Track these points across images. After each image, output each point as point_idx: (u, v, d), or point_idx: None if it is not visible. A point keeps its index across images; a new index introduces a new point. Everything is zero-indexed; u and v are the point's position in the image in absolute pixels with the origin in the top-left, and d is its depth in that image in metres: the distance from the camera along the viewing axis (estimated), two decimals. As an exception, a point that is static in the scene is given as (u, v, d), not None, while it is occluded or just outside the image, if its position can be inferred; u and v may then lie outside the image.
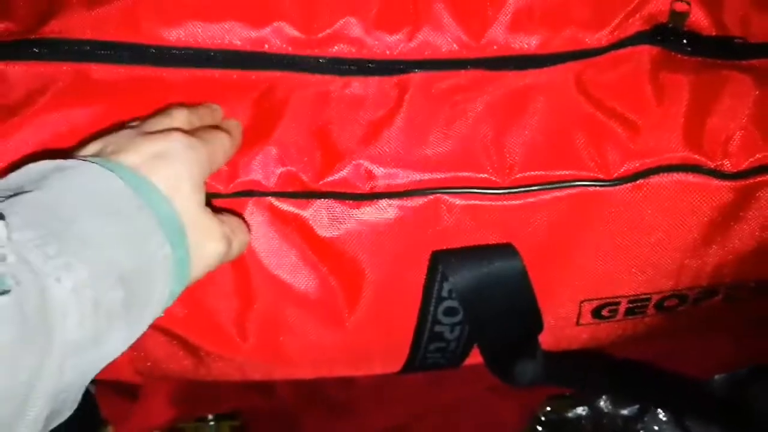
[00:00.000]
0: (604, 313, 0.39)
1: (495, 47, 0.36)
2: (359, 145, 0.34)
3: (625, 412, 0.66)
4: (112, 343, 0.27)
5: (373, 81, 0.35)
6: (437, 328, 0.38)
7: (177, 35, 0.35)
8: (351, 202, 0.35)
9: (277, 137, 0.34)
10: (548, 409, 0.70)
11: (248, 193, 0.35)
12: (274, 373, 0.42)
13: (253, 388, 0.65)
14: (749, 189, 0.34)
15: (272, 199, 0.35)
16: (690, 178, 0.34)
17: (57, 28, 0.35)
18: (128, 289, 0.27)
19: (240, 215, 0.35)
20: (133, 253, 0.27)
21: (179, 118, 0.32)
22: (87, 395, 0.68)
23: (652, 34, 0.36)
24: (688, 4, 0.36)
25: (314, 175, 0.35)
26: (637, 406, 0.65)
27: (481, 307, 0.36)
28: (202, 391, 0.63)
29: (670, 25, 0.36)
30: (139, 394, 0.61)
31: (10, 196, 0.26)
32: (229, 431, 0.75)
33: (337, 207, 0.35)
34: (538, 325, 0.38)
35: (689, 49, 0.36)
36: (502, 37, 0.36)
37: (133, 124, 0.33)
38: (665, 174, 0.34)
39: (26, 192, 0.26)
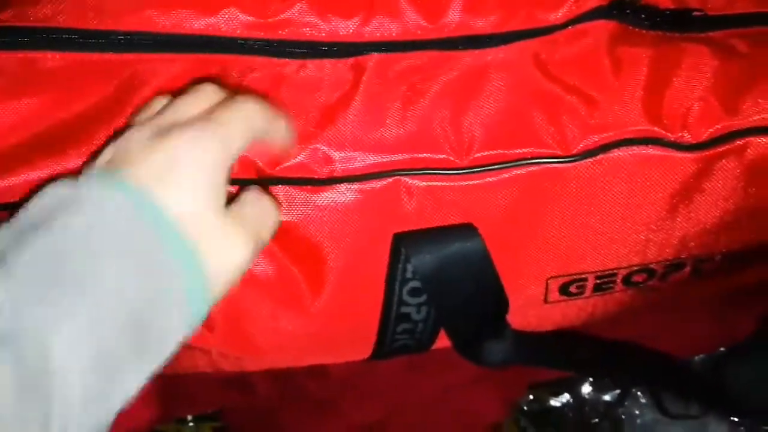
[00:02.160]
0: (572, 289, 0.39)
1: (451, 28, 0.36)
2: (315, 128, 0.34)
3: (606, 397, 0.66)
4: (123, 388, 0.26)
5: (329, 63, 0.35)
6: (404, 309, 0.37)
7: (128, 22, 0.35)
8: (309, 187, 0.34)
9: None
10: (530, 397, 0.70)
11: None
12: (244, 364, 0.41)
13: (232, 386, 0.65)
14: (710, 160, 0.34)
15: (228, 188, 0.34)
16: (650, 150, 0.34)
17: (7, 16, 0.34)
18: (138, 327, 0.25)
19: (266, 192, 0.32)
20: (141, 287, 0.25)
21: (205, 95, 0.30)
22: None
23: (609, 9, 0.36)
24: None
25: (270, 160, 0.34)
26: (617, 391, 0.65)
27: (444, 288, 0.36)
28: (179, 391, 0.62)
29: (627, 0, 0.36)
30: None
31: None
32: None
33: (294, 193, 0.34)
34: (503, 305, 0.37)
35: (647, 22, 0.36)
36: (458, 18, 0.36)
37: (148, 114, 0.30)
38: (625, 148, 0.34)
39: (30, 233, 0.25)
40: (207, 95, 0.30)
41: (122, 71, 0.35)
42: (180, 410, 0.66)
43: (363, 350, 0.41)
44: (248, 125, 0.29)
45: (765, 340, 0.44)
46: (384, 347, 0.40)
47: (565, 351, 0.43)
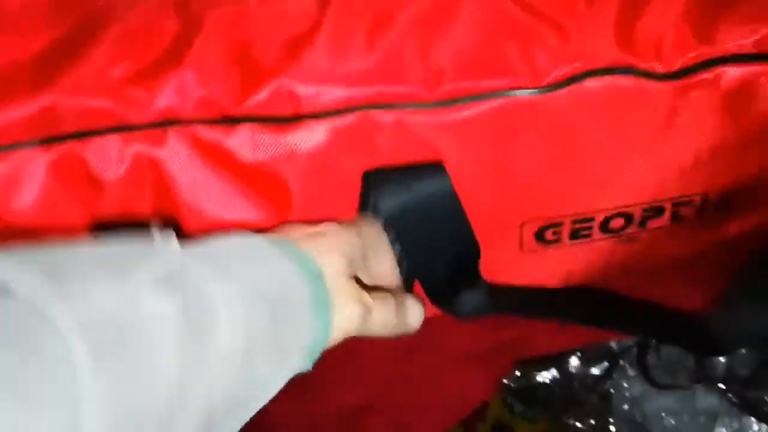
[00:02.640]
0: (548, 235, 0.38)
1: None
2: (280, 63, 0.33)
3: (594, 371, 0.65)
4: (264, 369, 0.28)
5: (293, -4, 0.34)
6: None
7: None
8: (276, 125, 0.33)
9: (193, 59, 0.33)
10: (517, 374, 0.68)
11: (166, 123, 0.33)
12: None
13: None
14: (684, 89, 0.33)
15: (192, 128, 0.34)
16: (622, 80, 0.33)
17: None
18: (274, 312, 0.28)
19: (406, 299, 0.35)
20: (277, 286, 0.29)
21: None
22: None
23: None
24: None
25: (235, 98, 0.33)
26: (606, 364, 0.64)
27: (411, 229, 0.35)
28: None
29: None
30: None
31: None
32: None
33: (262, 132, 0.33)
34: (473, 251, 0.36)
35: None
36: None
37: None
38: (597, 77, 0.33)
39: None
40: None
41: (79, 7, 0.34)
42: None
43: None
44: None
45: (738, 290, 0.43)
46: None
47: (542, 299, 0.42)
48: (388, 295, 0.35)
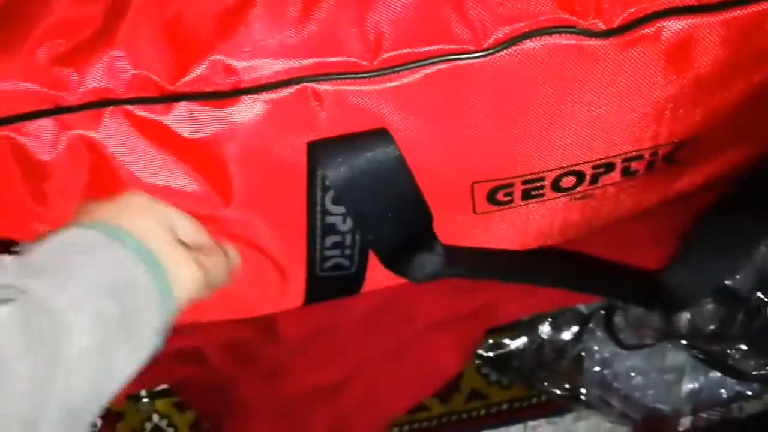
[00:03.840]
0: (500, 197, 0.38)
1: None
2: (214, 37, 0.32)
3: (565, 336, 0.65)
4: (119, 359, 0.30)
5: (224, -33, 0.33)
6: (328, 219, 0.36)
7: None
8: (214, 101, 0.33)
9: (123, 38, 0.32)
10: (489, 342, 0.69)
11: (102, 103, 0.33)
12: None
13: (185, 360, 0.63)
14: (626, 46, 0.33)
15: (129, 107, 0.33)
16: (563, 40, 0.32)
17: None
18: (120, 303, 0.30)
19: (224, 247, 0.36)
20: (116, 273, 0.31)
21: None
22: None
23: None
24: None
25: (169, 76, 0.32)
26: (576, 328, 0.64)
27: (360, 197, 0.34)
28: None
29: None
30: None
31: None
32: (170, 407, 0.73)
33: (199, 109, 0.33)
34: (425, 213, 0.36)
35: None
36: None
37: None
38: (537, 38, 0.32)
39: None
40: None
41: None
42: (131, 386, 0.65)
43: (295, 278, 0.40)
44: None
45: (692, 246, 0.43)
46: (315, 267, 0.39)
47: (500, 261, 0.42)
48: (212, 246, 0.36)
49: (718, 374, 0.59)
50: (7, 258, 0.29)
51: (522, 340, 0.67)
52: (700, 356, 0.58)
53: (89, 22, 0.33)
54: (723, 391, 0.59)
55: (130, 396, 0.70)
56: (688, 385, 0.59)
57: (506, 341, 0.67)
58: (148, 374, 0.63)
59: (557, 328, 0.65)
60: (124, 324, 0.30)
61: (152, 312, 0.31)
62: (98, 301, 0.29)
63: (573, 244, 0.46)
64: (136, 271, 0.31)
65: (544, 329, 0.66)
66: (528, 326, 0.66)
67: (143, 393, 0.71)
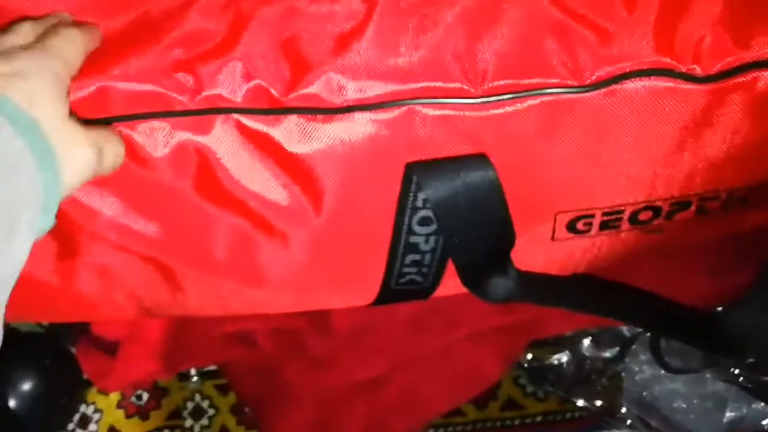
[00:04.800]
0: (579, 226, 0.39)
1: (464, -37, 0.36)
2: (329, 57, 0.34)
3: (606, 354, 0.66)
4: None
5: (341, -6, 0.35)
6: (412, 239, 0.38)
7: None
8: (322, 116, 0.34)
9: (243, 49, 0.34)
10: (530, 356, 0.70)
11: (215, 110, 0.34)
12: (253, 302, 0.41)
13: (235, 342, 0.65)
14: (720, 92, 0.34)
15: (240, 117, 0.35)
16: (661, 82, 0.34)
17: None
18: None
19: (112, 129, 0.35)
20: None
21: (23, 32, 0.33)
22: (67, 354, 0.68)
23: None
24: None
25: (283, 89, 0.34)
26: (617, 348, 0.66)
27: (455, 218, 0.36)
28: (182, 345, 0.63)
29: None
30: (119, 349, 0.61)
31: None
32: (212, 389, 0.75)
33: (308, 122, 0.35)
34: (510, 238, 0.38)
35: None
36: None
37: None
38: (637, 79, 0.34)
39: None
40: (32, 28, 0.34)
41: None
42: (183, 364, 0.67)
43: (370, 288, 0.42)
44: (76, 46, 0.33)
45: (762, 287, 0.44)
46: (391, 281, 0.41)
47: (568, 290, 0.43)
48: (109, 129, 0.34)
49: (762, 404, 0.60)
50: None
51: (562, 355, 0.68)
52: (744, 385, 0.59)
53: (214, 33, 0.35)
54: (765, 422, 0.60)
55: (180, 373, 0.73)
56: (730, 413, 0.60)
57: (546, 355, 0.69)
58: (198, 352, 0.66)
59: (599, 345, 0.67)
60: None
61: (34, 194, 0.29)
62: None
63: (635, 266, 0.47)
64: (16, 151, 0.28)
65: (586, 346, 0.67)
66: (569, 342, 0.68)
67: (193, 371, 0.74)
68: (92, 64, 0.34)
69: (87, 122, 0.33)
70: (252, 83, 0.34)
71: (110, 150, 0.33)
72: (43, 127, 0.30)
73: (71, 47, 0.33)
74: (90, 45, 0.34)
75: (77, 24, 0.35)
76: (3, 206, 0.28)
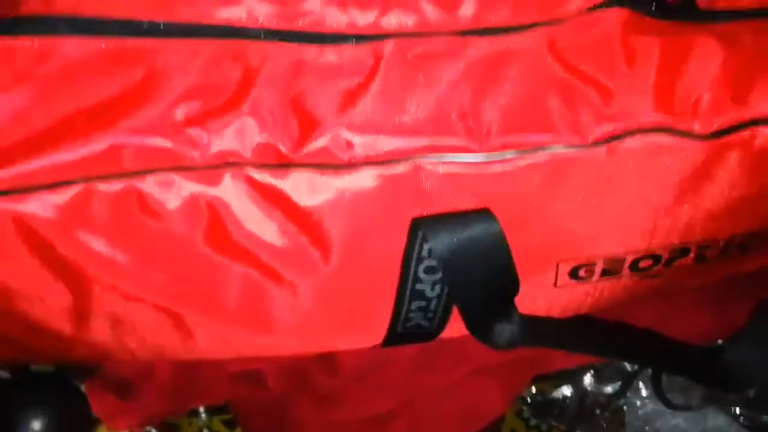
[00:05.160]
0: (581, 274, 0.40)
1: (467, 20, 0.37)
2: (337, 113, 0.35)
3: (608, 389, 0.67)
4: None
5: (348, 49, 0.36)
6: (418, 286, 0.39)
7: (152, 13, 0.36)
8: (331, 171, 0.35)
9: (252, 105, 0.35)
10: (533, 391, 0.71)
11: (224, 165, 0.35)
12: (261, 346, 0.42)
13: (242, 380, 0.66)
14: (718, 149, 0.35)
15: (250, 171, 0.35)
16: (662, 139, 0.35)
17: (33, 5, 0.35)
18: None
19: None
20: None
21: None
22: (77, 393, 0.69)
23: (620, -1, 0.37)
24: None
25: (292, 145, 0.35)
26: (619, 383, 0.66)
27: (459, 269, 0.37)
28: (192, 384, 0.63)
29: (638, -10, 0.37)
30: (129, 389, 0.62)
31: None
32: (220, 424, 0.76)
33: (316, 177, 0.35)
34: (515, 287, 0.38)
35: (657, 11, 0.37)
36: (473, 10, 0.37)
37: None
38: (638, 136, 0.35)
39: None
40: None
41: (145, 57, 0.36)
42: (192, 402, 0.67)
43: (377, 331, 0.42)
44: None
45: (762, 322, 0.45)
46: (398, 325, 0.41)
47: (571, 333, 0.44)
48: None
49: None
50: None
51: (565, 390, 0.69)
52: (745, 423, 0.59)
53: (223, 88, 0.35)
54: (767, 461, 0.61)
55: (190, 411, 0.73)
56: (732, 452, 0.61)
57: (550, 389, 0.69)
58: (207, 391, 0.66)
59: (600, 380, 0.67)
60: None
61: None
62: None
63: (630, 312, 0.48)
64: None
65: (588, 380, 0.68)
66: (572, 376, 0.68)
67: (201, 408, 0.74)
68: (101, 120, 0.35)
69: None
70: (261, 139, 0.35)
71: None
72: None
73: None
74: None
75: None
76: None
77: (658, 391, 0.61)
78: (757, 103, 0.35)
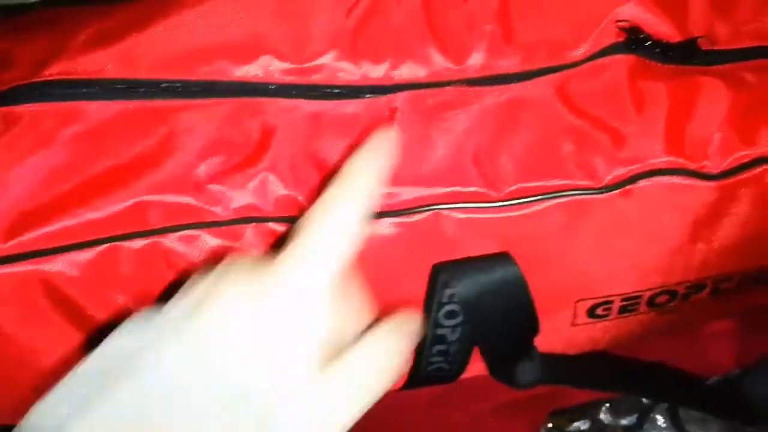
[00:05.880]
0: (599, 312, 0.41)
1: (476, 68, 0.38)
2: (356, 166, 0.36)
3: (624, 422, 0.67)
4: None
5: (362, 102, 0.37)
6: (439, 331, 0.39)
7: (172, 71, 0.37)
8: (351, 222, 0.36)
9: (272, 160, 0.36)
10: (550, 425, 0.70)
11: (247, 220, 0.36)
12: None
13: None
14: (730, 188, 0.36)
15: (272, 225, 0.36)
16: (675, 180, 0.36)
17: (57, 70, 0.36)
18: None
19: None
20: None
21: None
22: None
23: (627, 44, 0.38)
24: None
25: (313, 198, 0.36)
26: (636, 415, 0.66)
27: (481, 312, 0.37)
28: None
29: (642, 36, 0.38)
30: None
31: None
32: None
33: (338, 228, 0.36)
34: (535, 327, 0.39)
35: (661, 56, 0.38)
36: (482, 59, 0.38)
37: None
38: (651, 178, 0.36)
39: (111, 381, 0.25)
40: None
41: (167, 117, 0.37)
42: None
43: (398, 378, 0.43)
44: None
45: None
46: (420, 370, 0.42)
47: (589, 370, 0.44)
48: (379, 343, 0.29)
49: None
50: None
51: (581, 423, 0.69)
52: (764, 454, 0.59)
53: (240, 145, 0.36)
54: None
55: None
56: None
57: (566, 423, 0.69)
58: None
59: (617, 413, 0.67)
60: None
61: None
62: None
63: (648, 345, 0.48)
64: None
65: (604, 414, 0.68)
66: (588, 409, 0.68)
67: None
68: (125, 179, 0.36)
69: None
70: (282, 193, 0.36)
71: (383, 384, 0.29)
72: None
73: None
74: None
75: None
76: None
77: (675, 423, 0.61)
78: (766, 141, 0.36)
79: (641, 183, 0.35)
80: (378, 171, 0.31)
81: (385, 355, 0.29)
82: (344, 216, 0.29)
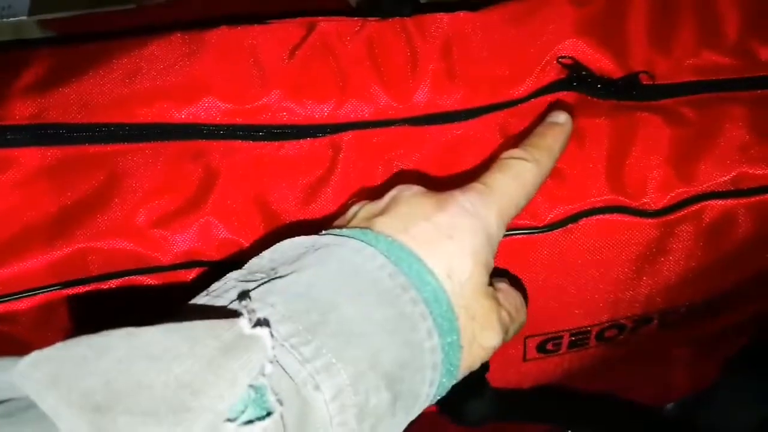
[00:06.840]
0: (549, 347, 0.41)
1: (421, 106, 0.38)
2: (298, 207, 0.36)
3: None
4: None
5: (306, 143, 0.37)
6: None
7: (112, 115, 0.36)
8: (296, 265, 0.36)
9: (214, 204, 0.35)
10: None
11: (190, 264, 0.35)
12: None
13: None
14: (670, 224, 0.36)
15: (213, 267, 0.36)
16: (616, 218, 0.36)
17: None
18: (393, 390, 0.23)
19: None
20: (398, 344, 0.23)
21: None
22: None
23: (568, 81, 0.38)
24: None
25: (255, 242, 0.35)
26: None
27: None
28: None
29: (584, 72, 0.38)
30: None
31: (264, 282, 0.24)
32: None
33: (282, 271, 0.36)
34: (486, 367, 0.39)
35: (602, 92, 0.38)
36: (426, 97, 0.38)
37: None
38: (592, 216, 0.36)
39: (279, 277, 0.24)
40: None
41: (107, 162, 0.36)
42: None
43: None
44: (528, 197, 0.31)
45: (729, 382, 0.46)
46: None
47: (541, 406, 0.44)
48: (513, 293, 0.30)
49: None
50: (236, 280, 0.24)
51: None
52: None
53: (183, 189, 0.36)
54: None
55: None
56: None
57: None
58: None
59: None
60: (390, 414, 0.23)
61: (426, 395, 0.25)
62: (367, 391, 0.22)
63: (601, 376, 0.48)
64: (425, 338, 0.24)
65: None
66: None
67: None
68: (64, 226, 0.35)
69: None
70: (225, 236, 0.35)
71: (516, 325, 0.30)
72: (456, 307, 0.25)
73: (518, 193, 0.30)
74: (545, 175, 0.31)
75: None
76: (400, 418, 0.25)
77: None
78: (703, 179, 0.36)
79: (582, 221, 0.36)
80: (561, 150, 0.33)
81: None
82: (529, 180, 0.31)
